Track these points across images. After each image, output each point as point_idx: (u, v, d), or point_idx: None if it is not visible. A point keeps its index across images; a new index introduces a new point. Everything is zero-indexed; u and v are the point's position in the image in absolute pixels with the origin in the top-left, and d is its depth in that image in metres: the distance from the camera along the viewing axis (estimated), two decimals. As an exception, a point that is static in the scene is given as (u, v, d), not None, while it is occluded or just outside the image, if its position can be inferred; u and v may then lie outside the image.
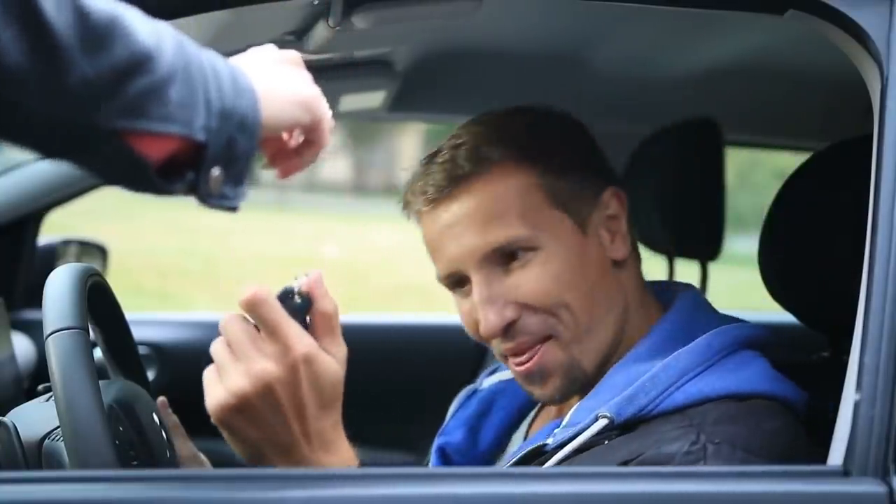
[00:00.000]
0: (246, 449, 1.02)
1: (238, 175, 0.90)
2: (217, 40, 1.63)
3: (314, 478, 1.02)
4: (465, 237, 1.21)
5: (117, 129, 0.82)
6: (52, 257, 2.52)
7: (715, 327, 1.23)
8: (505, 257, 1.21)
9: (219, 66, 0.88)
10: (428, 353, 2.70)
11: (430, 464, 1.43)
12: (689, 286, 1.35)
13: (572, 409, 1.22)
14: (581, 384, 1.25)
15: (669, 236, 2.23)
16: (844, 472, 1.03)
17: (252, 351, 1.00)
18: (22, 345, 2.25)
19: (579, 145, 1.30)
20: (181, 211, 16.96)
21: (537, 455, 1.19)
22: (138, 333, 1.53)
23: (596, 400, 1.20)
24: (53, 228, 2.62)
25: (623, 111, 2.44)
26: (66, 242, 2.65)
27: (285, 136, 0.99)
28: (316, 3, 1.36)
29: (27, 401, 1.34)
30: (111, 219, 11.87)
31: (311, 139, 0.99)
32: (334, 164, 26.82)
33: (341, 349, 1.03)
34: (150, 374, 2.30)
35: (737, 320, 1.28)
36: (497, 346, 1.25)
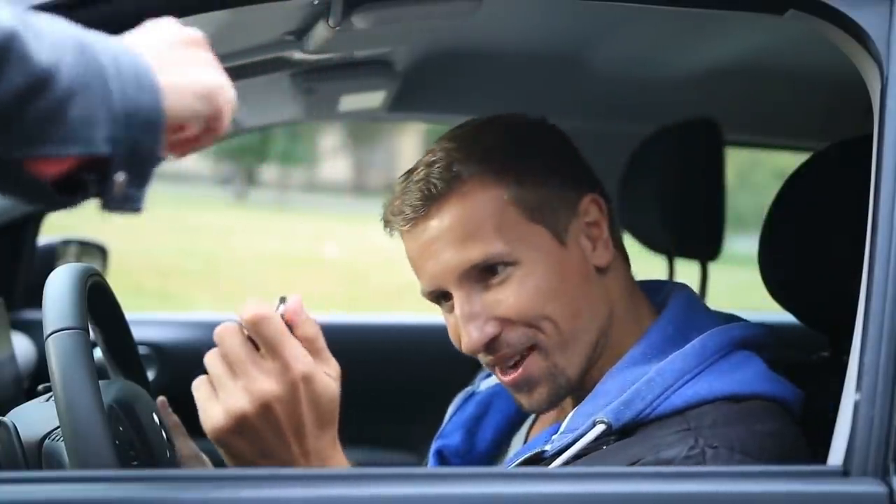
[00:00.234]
0: (242, 464, 1.03)
1: (142, 176, 0.87)
2: (217, 40, 1.63)
3: (314, 478, 1.02)
4: (444, 255, 1.22)
5: (16, 158, 0.79)
6: (52, 257, 2.52)
7: (709, 327, 1.22)
8: (484, 273, 1.22)
9: (122, 64, 0.84)
10: (428, 353, 2.69)
11: (428, 466, 1.43)
12: (681, 286, 1.34)
13: (570, 415, 1.22)
14: (568, 391, 1.26)
15: (669, 236, 2.23)
16: (844, 472, 1.04)
17: (252, 368, 1.00)
18: (22, 345, 2.25)
19: (555, 154, 1.29)
20: (181, 211, 16.98)
21: (536, 461, 1.19)
22: (138, 333, 1.53)
23: (593, 405, 1.20)
24: (53, 228, 2.62)
25: (623, 111, 2.44)
26: (66, 242, 2.65)
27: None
28: (316, 3, 1.36)
29: (27, 401, 1.34)
30: (111, 219, 11.86)
31: (211, 127, 0.94)
32: (334, 164, 26.83)
33: (334, 367, 1.04)
34: (150, 374, 2.30)
35: (731, 318, 1.28)
36: (483, 359, 1.26)
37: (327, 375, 1.02)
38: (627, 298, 1.29)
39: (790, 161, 2.93)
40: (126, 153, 0.84)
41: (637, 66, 2.20)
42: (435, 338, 2.74)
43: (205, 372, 1.04)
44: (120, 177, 0.84)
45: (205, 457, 1.42)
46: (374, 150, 27.53)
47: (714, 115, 2.16)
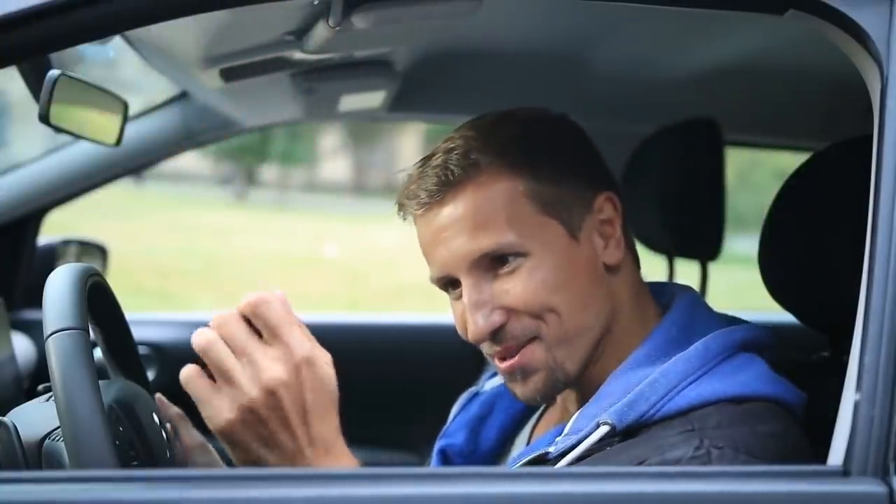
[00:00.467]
0: (249, 460, 1.03)
1: None
2: (217, 40, 1.64)
3: (314, 478, 1.02)
4: (455, 242, 1.22)
5: None
6: (52, 257, 2.52)
7: (713, 330, 1.23)
8: (494, 262, 1.22)
9: None
10: (428, 353, 2.70)
11: (432, 465, 1.43)
12: (686, 288, 1.35)
13: (574, 417, 1.23)
14: (564, 385, 1.26)
15: (669, 236, 2.23)
16: (844, 472, 1.04)
17: (258, 354, 1.01)
18: (22, 345, 2.25)
19: (573, 150, 1.29)
20: (181, 211, 16.98)
21: (540, 463, 1.19)
22: (138, 333, 1.53)
23: (597, 407, 1.20)
24: (53, 228, 2.62)
25: (624, 111, 2.44)
26: (66, 242, 2.65)
27: None
28: (316, 3, 1.36)
29: (27, 401, 1.34)
30: (111, 219, 11.87)
31: None
32: (334, 164, 26.83)
33: (327, 354, 1.04)
34: (150, 374, 2.30)
35: (734, 321, 1.28)
36: (486, 349, 1.26)
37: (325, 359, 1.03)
38: (634, 299, 1.29)
39: (790, 161, 2.93)
40: None
41: (637, 66, 2.21)
42: (435, 338, 2.75)
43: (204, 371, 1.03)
44: None
45: (211, 447, 1.41)
46: (374, 150, 27.53)
47: (714, 115, 2.16)
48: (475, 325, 1.22)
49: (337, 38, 1.49)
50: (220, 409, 1.01)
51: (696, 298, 1.31)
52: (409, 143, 27.58)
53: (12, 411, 1.28)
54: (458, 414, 1.46)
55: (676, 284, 1.37)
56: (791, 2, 1.15)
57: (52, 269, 1.25)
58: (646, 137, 2.27)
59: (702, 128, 2.16)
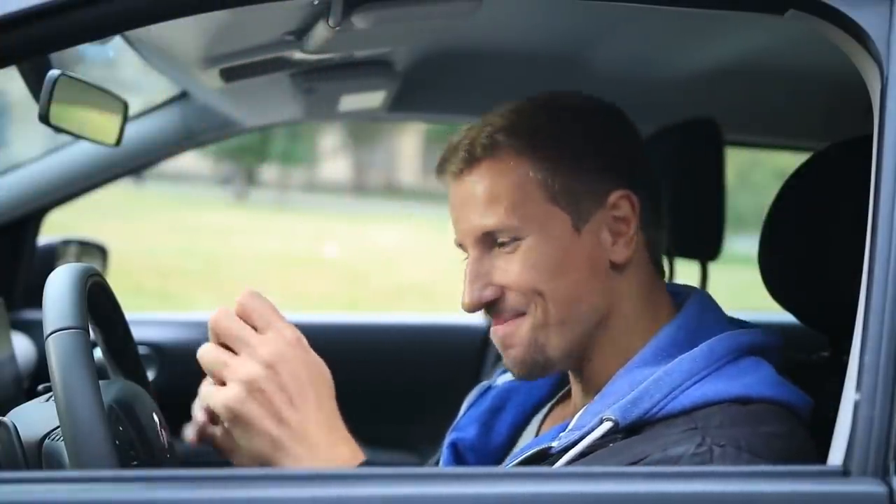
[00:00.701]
0: (260, 442, 1.08)
1: None
2: (217, 40, 1.64)
3: (315, 478, 1.02)
4: (469, 216, 1.28)
5: None
6: (52, 257, 2.53)
7: (720, 333, 1.23)
8: (495, 240, 1.27)
9: None
10: (428, 353, 2.70)
11: (442, 459, 1.44)
12: (698, 291, 1.35)
13: (579, 413, 1.23)
14: (545, 369, 1.29)
15: (669, 236, 2.23)
16: (844, 472, 1.04)
17: (251, 338, 1.09)
18: (22, 345, 2.25)
19: (599, 144, 1.30)
20: (181, 211, 16.98)
21: (542, 457, 1.20)
22: (138, 333, 1.53)
23: (602, 404, 1.21)
24: (53, 228, 2.62)
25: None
26: (66, 242, 2.65)
27: None
28: (316, 3, 1.36)
29: (27, 401, 1.34)
30: (111, 219, 11.87)
31: None
32: (334, 164, 26.83)
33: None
34: (150, 374, 2.30)
35: (744, 325, 1.28)
36: (483, 316, 1.31)
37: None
38: (642, 300, 1.29)
39: (790, 161, 2.93)
40: None
41: (637, 66, 2.21)
42: (435, 338, 2.75)
43: (204, 371, 1.05)
44: None
45: None
46: (374, 150, 27.52)
47: (714, 115, 2.16)
48: (468, 297, 1.28)
49: (337, 38, 1.49)
50: (224, 391, 1.08)
51: (706, 302, 1.31)
52: (409, 143, 27.59)
53: (12, 411, 1.28)
54: (470, 408, 1.47)
55: (692, 287, 1.37)
56: (791, 2, 1.15)
57: (52, 269, 1.25)
58: (646, 137, 2.26)
59: (702, 128, 2.16)
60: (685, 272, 2.28)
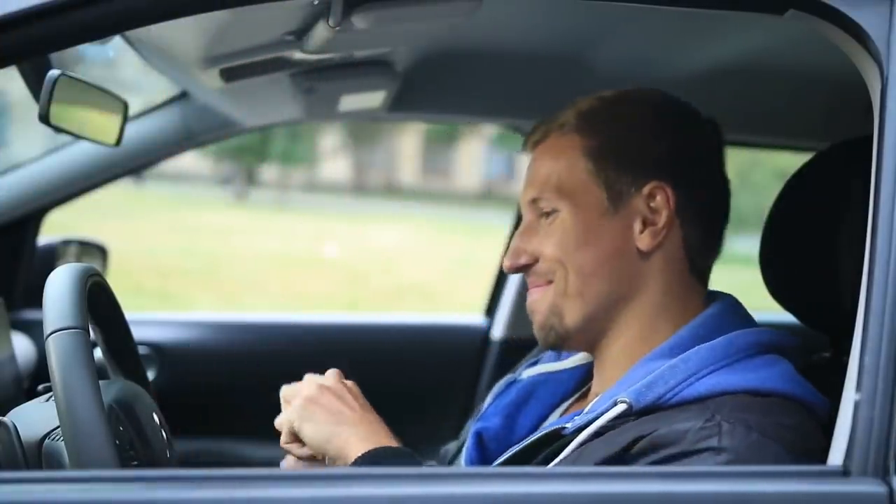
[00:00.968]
0: (325, 427, 1.31)
1: None
2: (217, 40, 1.64)
3: (315, 478, 1.02)
4: (526, 185, 1.39)
5: None
6: (52, 257, 2.52)
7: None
8: (541, 210, 1.36)
9: None
10: (428, 353, 2.70)
11: (466, 447, 1.45)
12: (726, 295, 1.36)
13: (596, 398, 1.26)
14: (560, 338, 1.35)
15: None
16: (844, 472, 1.04)
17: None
18: (22, 345, 2.25)
19: (651, 137, 1.34)
20: (181, 211, 16.98)
21: (555, 438, 1.23)
22: (138, 333, 1.53)
23: (618, 390, 1.23)
24: (53, 228, 2.62)
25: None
26: (66, 242, 2.64)
27: None
28: (316, 3, 1.36)
29: (27, 401, 1.34)
30: (111, 219, 11.87)
31: None
32: (334, 164, 26.83)
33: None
34: (150, 374, 2.30)
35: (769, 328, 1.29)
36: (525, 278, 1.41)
37: None
38: (669, 294, 1.32)
39: (790, 161, 2.93)
40: None
41: (637, 66, 2.20)
42: (435, 338, 2.75)
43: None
44: None
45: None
46: (374, 150, 27.52)
47: (714, 115, 2.16)
48: (507, 260, 1.39)
49: (337, 38, 1.49)
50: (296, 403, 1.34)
51: (735, 306, 1.34)
52: (409, 143, 27.60)
53: (12, 411, 1.28)
54: (495, 399, 1.49)
55: (723, 293, 1.38)
56: (791, 2, 1.15)
57: (52, 269, 1.25)
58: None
59: (702, 128, 2.15)
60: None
